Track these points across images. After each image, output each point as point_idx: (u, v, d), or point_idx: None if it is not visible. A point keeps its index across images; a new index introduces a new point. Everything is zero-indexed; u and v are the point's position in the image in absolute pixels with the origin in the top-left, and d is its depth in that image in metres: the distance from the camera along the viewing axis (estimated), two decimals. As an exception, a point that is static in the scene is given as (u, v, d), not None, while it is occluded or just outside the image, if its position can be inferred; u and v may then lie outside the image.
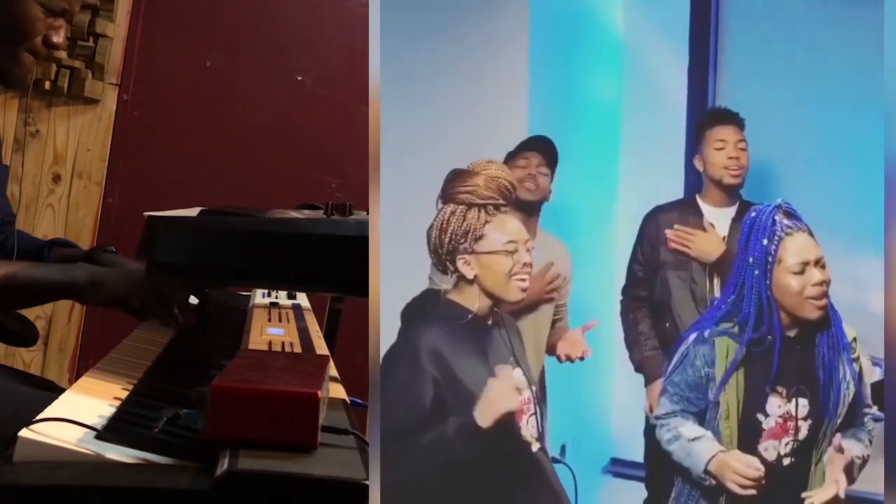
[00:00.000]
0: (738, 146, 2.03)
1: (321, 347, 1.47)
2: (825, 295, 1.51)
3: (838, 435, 1.54)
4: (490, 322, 1.49)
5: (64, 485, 0.80)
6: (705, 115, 2.15)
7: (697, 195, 2.11)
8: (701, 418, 1.58)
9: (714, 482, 1.52)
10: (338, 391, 1.14)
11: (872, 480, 1.69)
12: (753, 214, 1.55)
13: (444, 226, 1.47)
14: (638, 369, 2.11)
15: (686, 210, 2.09)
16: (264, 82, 3.15)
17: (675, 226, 2.07)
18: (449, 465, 1.38)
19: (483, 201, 1.47)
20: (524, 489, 1.47)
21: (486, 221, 1.46)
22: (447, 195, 1.50)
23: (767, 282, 1.51)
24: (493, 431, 1.37)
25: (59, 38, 1.61)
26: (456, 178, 1.50)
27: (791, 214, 1.53)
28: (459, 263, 1.46)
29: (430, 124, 1.97)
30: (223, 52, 3.12)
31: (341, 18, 3.17)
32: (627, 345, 2.14)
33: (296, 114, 3.15)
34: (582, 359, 1.91)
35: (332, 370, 1.17)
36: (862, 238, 1.89)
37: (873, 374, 1.63)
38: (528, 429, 1.47)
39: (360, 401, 1.44)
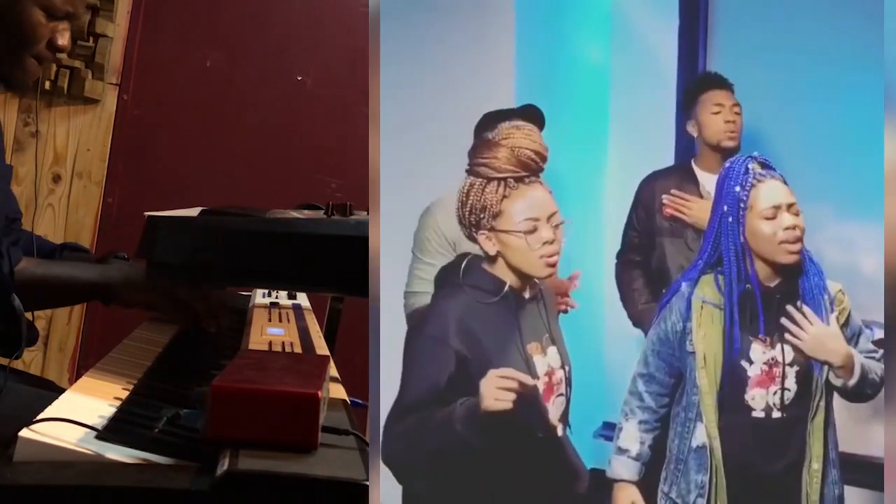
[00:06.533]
0: (733, 110, 2.03)
1: (321, 347, 1.47)
2: (798, 239, 1.49)
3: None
4: (527, 295, 1.43)
5: (64, 485, 0.80)
6: (696, 80, 2.13)
7: (693, 160, 2.10)
8: (676, 376, 1.56)
9: None
10: (338, 391, 1.14)
11: (857, 442, 1.67)
12: (727, 165, 1.55)
13: (465, 199, 1.41)
14: (636, 324, 2.08)
15: (682, 176, 2.08)
16: (264, 82, 3.15)
17: (672, 191, 2.06)
18: (456, 448, 1.32)
19: (501, 175, 1.39)
20: (542, 473, 1.41)
21: (504, 196, 1.39)
22: (470, 165, 1.42)
23: (741, 228, 1.50)
24: (502, 417, 1.30)
25: (63, 41, 1.60)
26: (478, 147, 1.42)
27: (765, 164, 1.53)
28: (481, 238, 1.40)
29: (416, 96, 1.94)
30: (223, 52, 3.12)
31: (341, 18, 3.17)
32: (623, 303, 2.12)
33: (296, 114, 3.15)
34: (566, 312, 1.82)
35: (333, 370, 1.17)
36: (855, 201, 1.88)
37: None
38: (553, 409, 1.41)
39: (360, 401, 1.44)
